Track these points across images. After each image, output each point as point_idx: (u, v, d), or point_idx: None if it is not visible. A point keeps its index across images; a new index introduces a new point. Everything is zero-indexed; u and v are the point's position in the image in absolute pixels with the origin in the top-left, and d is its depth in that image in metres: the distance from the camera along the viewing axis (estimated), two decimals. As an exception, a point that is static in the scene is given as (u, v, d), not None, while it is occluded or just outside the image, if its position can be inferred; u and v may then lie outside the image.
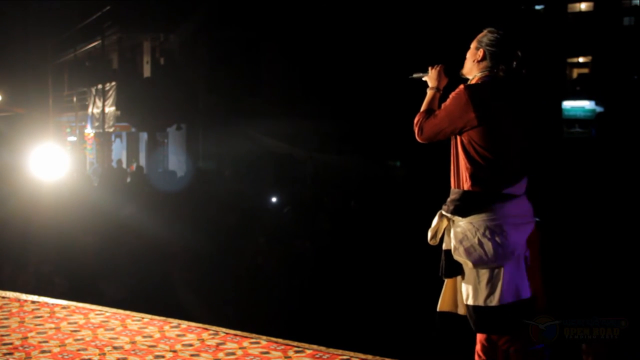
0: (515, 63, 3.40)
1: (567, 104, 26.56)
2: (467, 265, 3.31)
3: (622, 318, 3.55)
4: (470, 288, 3.32)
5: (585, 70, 27.69)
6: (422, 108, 3.50)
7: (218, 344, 4.40)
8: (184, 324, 4.79)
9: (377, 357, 4.10)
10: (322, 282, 7.49)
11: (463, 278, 3.37)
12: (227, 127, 20.76)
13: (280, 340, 4.43)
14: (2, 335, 4.58)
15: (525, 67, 3.44)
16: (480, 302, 3.28)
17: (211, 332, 4.62)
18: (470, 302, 3.32)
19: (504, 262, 3.24)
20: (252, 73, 23.04)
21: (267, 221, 10.36)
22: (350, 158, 19.04)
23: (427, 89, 3.57)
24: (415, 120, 3.45)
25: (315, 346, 4.31)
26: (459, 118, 3.29)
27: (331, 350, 4.26)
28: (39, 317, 4.98)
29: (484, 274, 3.27)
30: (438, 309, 3.50)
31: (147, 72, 25.40)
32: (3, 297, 5.46)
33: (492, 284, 3.26)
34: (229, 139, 20.27)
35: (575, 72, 28.00)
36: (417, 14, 21.09)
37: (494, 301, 3.25)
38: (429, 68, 3.61)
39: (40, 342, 4.44)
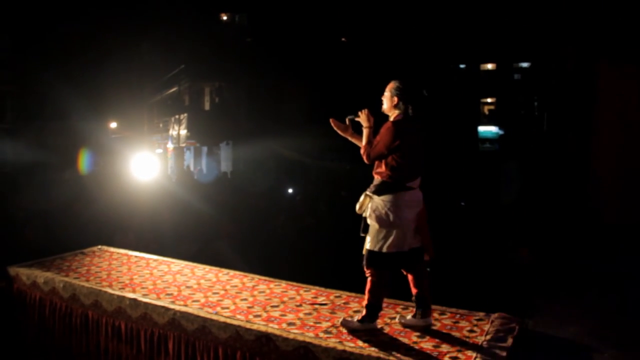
0: (421, 101, 3.44)
1: (481, 129, 26.92)
2: (375, 226, 3.43)
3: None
4: (372, 238, 3.45)
5: (492, 107, 28.20)
6: (364, 142, 3.51)
7: (254, 286, 4.45)
8: (231, 272, 4.82)
9: (360, 295, 4.06)
10: (322, 246, 7.50)
11: (369, 233, 3.50)
12: (259, 143, 20.75)
13: (294, 283, 4.47)
14: (118, 277, 4.67)
15: (429, 104, 3.48)
16: (375, 248, 3.42)
17: (249, 277, 4.66)
18: (368, 247, 3.46)
19: (396, 227, 3.38)
20: (277, 106, 23.08)
21: (285, 205, 10.36)
22: (342, 164, 18.96)
23: (363, 128, 3.55)
24: (363, 151, 3.51)
25: (317, 287, 4.36)
26: (391, 144, 3.36)
27: (328, 290, 4.29)
28: (139, 266, 5.06)
29: (382, 231, 3.41)
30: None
31: (207, 106, 25.44)
32: (118, 253, 5.53)
33: (385, 238, 3.40)
34: (260, 151, 20.24)
35: (486, 108, 28.43)
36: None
37: (384, 249, 3.40)
38: (359, 112, 3.57)
39: (141, 282, 4.52)
